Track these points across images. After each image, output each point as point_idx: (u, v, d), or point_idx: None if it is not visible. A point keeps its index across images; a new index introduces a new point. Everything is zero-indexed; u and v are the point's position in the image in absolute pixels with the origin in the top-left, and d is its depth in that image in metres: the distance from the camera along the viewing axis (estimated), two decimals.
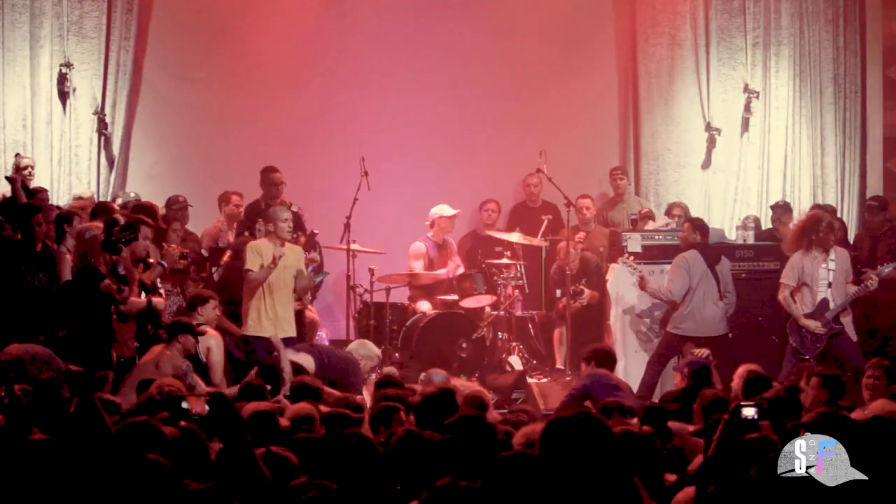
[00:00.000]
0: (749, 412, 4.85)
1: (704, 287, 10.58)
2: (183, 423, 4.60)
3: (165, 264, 9.55)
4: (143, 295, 9.10)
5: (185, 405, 4.27)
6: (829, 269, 10.32)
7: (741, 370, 7.79)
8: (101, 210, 9.81)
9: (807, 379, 7.62)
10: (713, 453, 4.70)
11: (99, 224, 8.82)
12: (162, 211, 11.01)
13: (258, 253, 9.82)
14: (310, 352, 9.76)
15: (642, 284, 10.80)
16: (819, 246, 10.27)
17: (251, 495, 4.10)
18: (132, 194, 11.57)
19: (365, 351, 10.14)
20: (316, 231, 11.54)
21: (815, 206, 12.18)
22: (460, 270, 11.94)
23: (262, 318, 9.82)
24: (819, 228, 10.31)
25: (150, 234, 9.40)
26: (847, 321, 10.45)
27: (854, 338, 10.47)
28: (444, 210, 11.95)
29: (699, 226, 10.93)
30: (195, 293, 9.71)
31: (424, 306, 11.64)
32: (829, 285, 10.33)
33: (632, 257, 11.22)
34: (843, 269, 10.39)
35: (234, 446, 4.18)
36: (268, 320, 9.83)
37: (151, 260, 9.43)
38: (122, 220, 8.79)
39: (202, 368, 9.05)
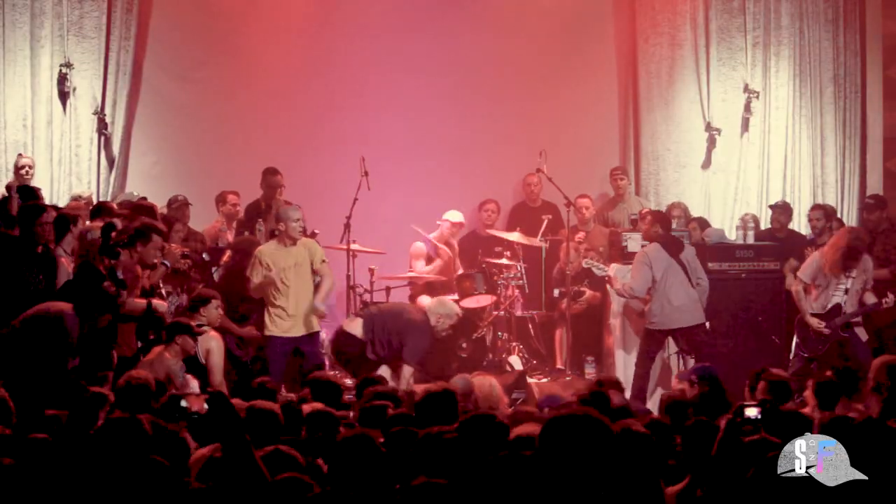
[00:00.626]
0: (752, 412, 4.85)
1: (672, 278, 10.54)
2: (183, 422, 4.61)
3: (168, 263, 9.55)
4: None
5: (183, 404, 4.27)
6: (848, 276, 10.33)
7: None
8: (100, 210, 9.81)
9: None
10: (715, 453, 4.70)
11: (100, 225, 8.82)
12: (163, 210, 11.01)
13: (262, 262, 9.92)
14: (364, 317, 9.73)
15: (611, 283, 10.82)
16: None
17: (250, 494, 4.10)
18: (135, 194, 11.56)
19: (444, 310, 10.04)
20: (316, 231, 11.54)
21: (816, 206, 12.19)
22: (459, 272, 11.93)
23: (276, 319, 9.90)
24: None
25: (160, 242, 9.36)
26: (858, 328, 10.48)
27: (864, 337, 10.48)
28: (453, 216, 11.94)
29: (660, 218, 10.93)
30: (197, 293, 9.70)
31: (426, 301, 11.62)
32: (846, 291, 10.34)
33: (597, 256, 11.24)
34: (863, 279, 10.42)
35: (232, 445, 4.18)
36: (283, 320, 9.90)
37: (154, 260, 9.43)
38: (119, 224, 8.77)
39: (201, 370, 9.04)
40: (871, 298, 10.46)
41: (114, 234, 8.55)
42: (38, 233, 8.69)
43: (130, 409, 5.60)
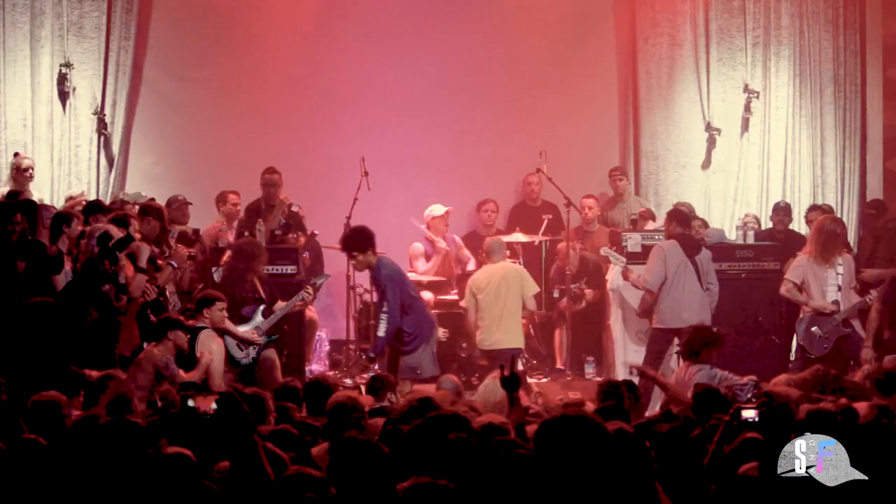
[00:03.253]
0: (749, 414, 4.85)
1: (683, 277, 10.52)
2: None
3: (175, 264, 9.58)
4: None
5: (191, 403, 4.26)
6: (837, 274, 10.33)
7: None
8: (92, 209, 9.83)
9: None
10: (712, 454, 4.70)
11: (107, 225, 8.84)
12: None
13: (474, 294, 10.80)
14: None
15: (626, 274, 10.81)
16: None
17: (255, 494, 4.10)
18: (143, 194, 11.55)
19: None
20: (316, 231, 11.55)
21: (813, 207, 12.18)
22: (471, 265, 11.90)
23: None
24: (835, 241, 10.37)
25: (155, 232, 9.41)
26: (856, 322, 10.47)
27: (863, 336, 10.48)
28: (435, 210, 11.90)
29: (678, 217, 10.91)
30: (202, 294, 9.69)
31: (426, 296, 11.62)
32: (839, 289, 10.35)
33: (615, 247, 11.25)
34: (850, 275, 10.43)
35: (242, 447, 4.17)
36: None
37: (160, 261, 9.45)
38: (115, 232, 8.78)
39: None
40: (854, 297, 10.46)
41: (110, 244, 8.58)
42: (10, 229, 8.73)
43: (41, 429, 5.36)
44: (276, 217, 11.44)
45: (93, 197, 11.64)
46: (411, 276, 11.77)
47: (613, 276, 11.43)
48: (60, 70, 12.03)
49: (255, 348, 9.93)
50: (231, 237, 11.44)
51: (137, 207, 10.50)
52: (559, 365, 11.60)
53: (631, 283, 10.80)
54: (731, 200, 13.15)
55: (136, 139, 12.63)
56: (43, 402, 5.94)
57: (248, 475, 4.12)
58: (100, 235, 8.62)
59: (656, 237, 11.34)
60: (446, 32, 12.99)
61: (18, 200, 9.68)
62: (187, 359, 8.90)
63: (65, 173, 12.14)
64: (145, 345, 8.87)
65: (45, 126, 12.04)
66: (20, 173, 11.06)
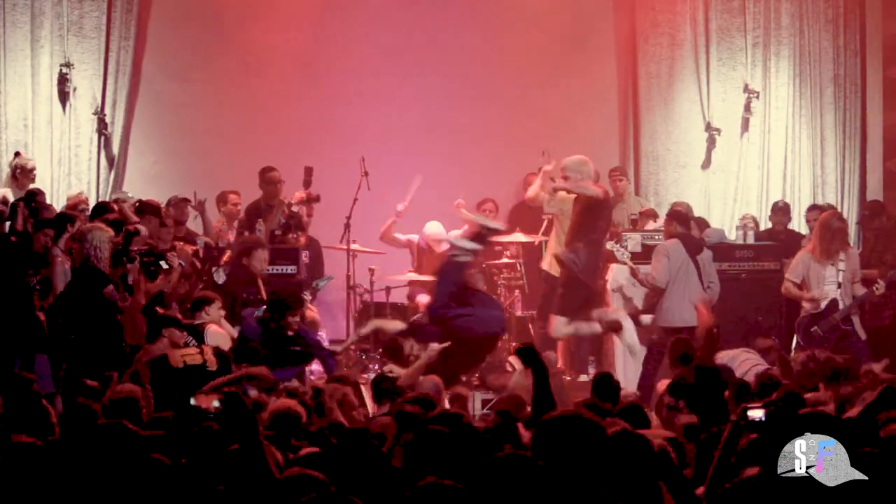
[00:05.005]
0: (756, 414, 4.81)
1: (685, 276, 10.53)
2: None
3: (184, 263, 9.61)
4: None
5: (193, 402, 4.26)
6: (838, 270, 10.33)
7: None
8: (100, 210, 9.84)
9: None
10: (720, 455, 4.69)
11: (104, 225, 8.85)
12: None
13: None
14: None
15: (634, 273, 10.83)
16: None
17: (260, 494, 4.10)
18: (130, 195, 11.55)
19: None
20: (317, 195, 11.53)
21: (812, 207, 12.18)
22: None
23: None
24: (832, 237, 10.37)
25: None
26: (855, 320, 10.48)
27: (863, 336, 10.48)
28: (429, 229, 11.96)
29: (678, 216, 10.93)
30: (200, 295, 9.71)
31: (424, 299, 11.63)
32: (839, 286, 10.35)
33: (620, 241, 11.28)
34: (853, 270, 10.43)
35: (246, 445, 4.17)
36: None
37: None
38: (145, 232, 8.83)
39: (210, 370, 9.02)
40: (860, 290, 10.48)
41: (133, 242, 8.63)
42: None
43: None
44: (276, 217, 11.44)
45: (91, 197, 11.69)
46: (411, 276, 11.82)
47: (613, 275, 11.42)
48: (60, 70, 12.03)
49: None
50: (231, 237, 11.45)
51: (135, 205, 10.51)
52: (559, 365, 11.58)
53: (639, 281, 10.82)
54: (731, 200, 13.15)
55: (135, 139, 12.63)
56: (121, 398, 6.02)
57: (253, 474, 4.13)
58: (126, 233, 8.69)
59: (656, 237, 11.34)
60: (445, 32, 13.00)
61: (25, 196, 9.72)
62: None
63: (65, 173, 12.14)
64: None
65: (45, 126, 12.04)
66: (25, 174, 11.05)
